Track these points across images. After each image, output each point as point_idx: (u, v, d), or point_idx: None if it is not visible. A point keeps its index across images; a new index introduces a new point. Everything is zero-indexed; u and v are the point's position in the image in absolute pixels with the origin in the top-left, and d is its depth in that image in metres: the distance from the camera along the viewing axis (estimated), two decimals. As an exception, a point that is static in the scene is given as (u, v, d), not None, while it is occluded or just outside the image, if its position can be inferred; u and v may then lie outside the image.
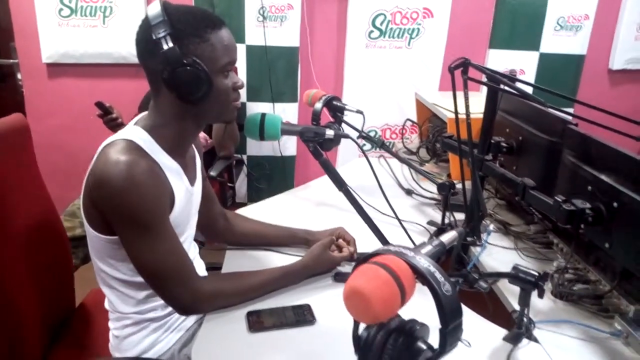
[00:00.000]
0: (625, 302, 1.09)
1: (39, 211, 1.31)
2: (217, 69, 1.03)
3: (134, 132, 1.05)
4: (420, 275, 0.56)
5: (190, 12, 1.04)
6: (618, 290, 1.11)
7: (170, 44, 0.97)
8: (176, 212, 1.09)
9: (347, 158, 2.74)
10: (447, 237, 0.68)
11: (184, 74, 0.99)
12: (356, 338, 0.64)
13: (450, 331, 0.55)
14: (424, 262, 0.57)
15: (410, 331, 0.61)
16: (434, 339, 0.61)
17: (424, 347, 0.60)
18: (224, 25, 1.04)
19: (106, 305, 1.20)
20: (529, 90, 1.33)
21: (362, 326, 0.65)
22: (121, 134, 1.05)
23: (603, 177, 1.09)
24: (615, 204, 1.05)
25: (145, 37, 1.00)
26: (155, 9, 0.99)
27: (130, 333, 1.16)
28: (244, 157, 2.99)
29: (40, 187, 1.36)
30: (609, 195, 1.06)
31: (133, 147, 1.01)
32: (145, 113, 1.12)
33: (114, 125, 2.11)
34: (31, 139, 1.33)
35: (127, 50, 2.71)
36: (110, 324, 1.19)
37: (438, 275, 0.56)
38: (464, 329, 0.57)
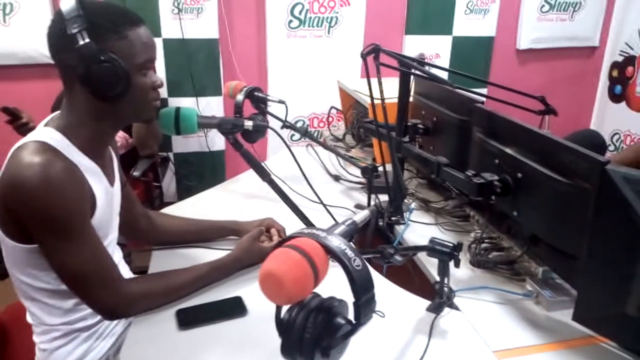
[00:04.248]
0: (534, 264, 1.18)
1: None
2: (135, 67, 1.00)
3: (46, 132, 1.00)
4: (332, 254, 0.58)
5: (107, 8, 1.01)
6: (528, 254, 1.20)
7: (87, 39, 0.94)
8: (98, 215, 1.05)
9: (277, 148, 2.74)
10: (359, 216, 0.71)
11: (100, 71, 0.95)
12: (279, 322, 0.66)
13: (363, 303, 0.58)
14: (335, 241, 0.59)
15: (329, 308, 0.63)
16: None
17: (343, 321, 0.63)
18: (142, 23, 1.02)
19: (29, 319, 1.13)
20: (444, 74, 1.40)
21: (284, 310, 0.67)
22: (32, 136, 1.00)
23: (508, 150, 1.17)
24: (519, 175, 1.13)
25: (58, 32, 0.96)
26: (69, 2, 0.95)
27: (60, 345, 1.10)
28: (170, 154, 2.92)
29: None
30: (514, 167, 1.14)
31: (47, 148, 0.96)
32: (56, 113, 1.07)
33: (26, 130, 1.98)
34: None
35: (34, 49, 2.54)
36: (36, 338, 1.13)
37: (348, 251, 0.58)
38: (390, 303, 0.60)
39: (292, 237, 0.62)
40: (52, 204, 0.92)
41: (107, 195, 1.10)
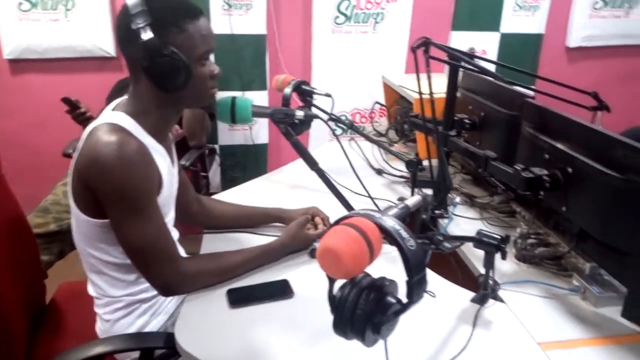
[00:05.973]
0: (582, 260, 1.17)
1: (3, 208, 1.27)
2: (194, 58, 1.05)
3: (117, 116, 1.07)
4: (387, 234, 0.61)
5: (169, 2, 1.05)
6: (575, 250, 1.18)
7: (150, 34, 0.99)
8: (163, 193, 1.12)
9: (318, 143, 2.78)
10: (412, 200, 0.73)
11: (162, 64, 1.01)
12: (331, 298, 0.69)
13: (416, 282, 0.60)
14: (390, 222, 0.62)
15: (380, 287, 0.66)
16: (402, 296, 0.66)
17: (393, 300, 0.65)
18: (201, 14, 1.07)
19: (91, 291, 1.20)
20: (491, 68, 1.40)
21: (336, 287, 0.70)
22: (104, 118, 1.07)
23: (558, 145, 1.16)
24: (570, 170, 1.12)
25: (125, 26, 1.01)
26: None
27: (122, 315, 1.18)
28: (216, 146, 3.00)
29: (3, 184, 1.31)
30: (564, 162, 1.13)
31: (120, 129, 1.03)
32: (123, 99, 1.14)
33: (83, 119, 2.08)
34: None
35: (91, 43, 2.66)
36: (98, 309, 1.20)
37: (403, 232, 0.61)
38: (434, 291, 0.62)
39: (347, 216, 0.65)
40: (126, 180, 0.99)
41: (170, 175, 1.16)
